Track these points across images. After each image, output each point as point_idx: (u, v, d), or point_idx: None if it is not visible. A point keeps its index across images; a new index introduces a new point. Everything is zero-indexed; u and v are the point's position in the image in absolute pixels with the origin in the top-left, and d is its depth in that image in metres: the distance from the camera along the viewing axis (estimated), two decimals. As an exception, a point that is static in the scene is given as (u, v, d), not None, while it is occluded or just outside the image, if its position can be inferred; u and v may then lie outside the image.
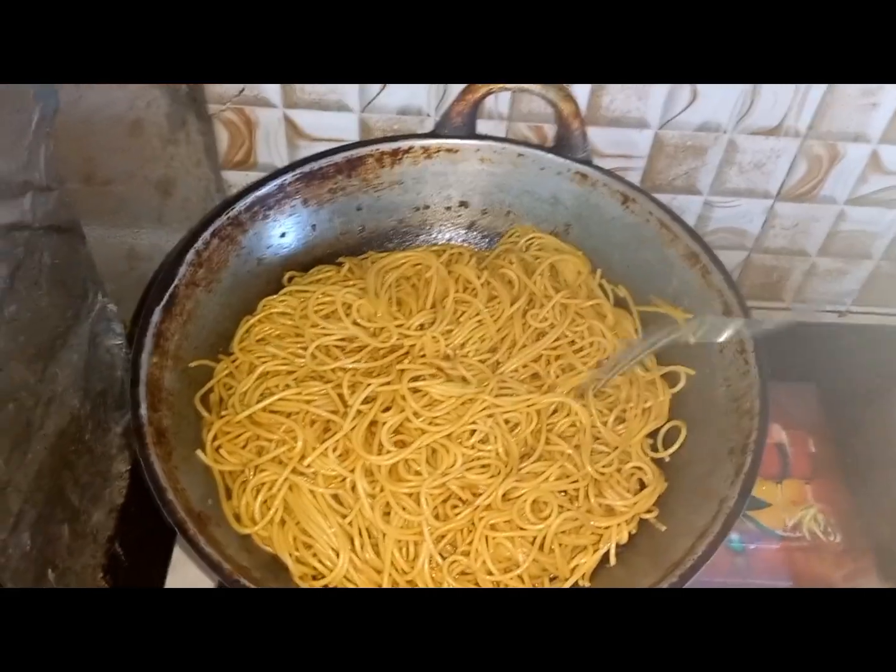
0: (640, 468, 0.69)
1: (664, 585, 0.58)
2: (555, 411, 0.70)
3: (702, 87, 0.76)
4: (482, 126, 0.78)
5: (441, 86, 0.77)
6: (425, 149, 0.78)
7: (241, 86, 0.77)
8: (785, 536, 0.78)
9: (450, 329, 0.73)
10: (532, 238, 0.81)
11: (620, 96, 0.77)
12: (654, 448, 0.72)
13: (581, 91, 0.76)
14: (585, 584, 0.64)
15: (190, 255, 0.69)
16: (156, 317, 0.66)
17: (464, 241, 0.84)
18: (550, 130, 0.81)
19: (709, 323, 0.68)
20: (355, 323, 0.72)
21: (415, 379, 0.68)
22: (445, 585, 0.62)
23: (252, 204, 0.73)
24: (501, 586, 0.63)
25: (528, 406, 0.68)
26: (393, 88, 0.77)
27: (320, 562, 0.63)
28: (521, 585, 0.64)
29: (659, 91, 0.77)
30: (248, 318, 0.74)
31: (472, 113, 0.76)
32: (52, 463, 0.63)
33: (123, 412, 0.73)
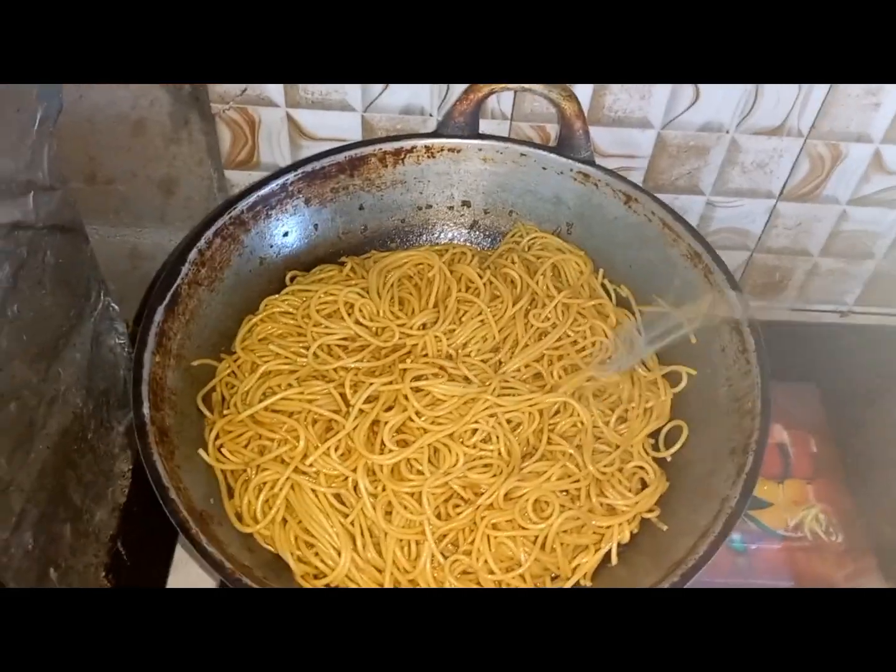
0: (641, 468, 0.69)
1: (665, 585, 0.58)
2: (557, 411, 0.70)
3: (704, 87, 0.76)
4: (485, 126, 0.79)
5: (444, 85, 0.77)
6: (428, 148, 0.78)
7: (243, 85, 0.77)
8: (786, 536, 0.78)
9: (452, 328, 0.73)
10: (534, 238, 0.81)
11: (623, 96, 0.77)
12: (656, 448, 0.71)
13: (583, 91, 0.76)
14: (587, 583, 0.64)
15: (192, 255, 0.69)
16: (158, 316, 0.66)
17: (466, 240, 0.84)
18: (553, 130, 0.81)
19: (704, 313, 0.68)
20: (357, 322, 0.73)
21: (417, 378, 0.68)
22: (447, 585, 0.62)
23: (254, 203, 0.74)
24: (503, 586, 0.63)
25: (531, 406, 0.68)
26: (396, 88, 0.77)
27: (322, 561, 0.63)
28: (522, 585, 0.64)
29: (661, 91, 0.77)
30: (251, 317, 0.74)
31: (474, 112, 0.76)
32: (55, 462, 0.63)
33: (126, 411, 0.74)
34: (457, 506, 0.65)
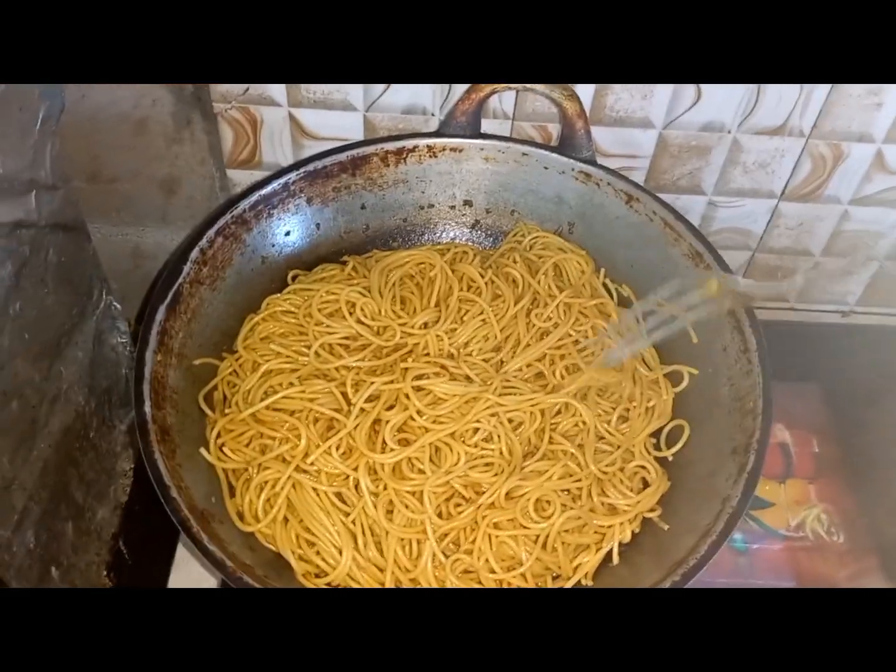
0: (643, 467, 0.69)
1: (667, 585, 0.58)
2: (559, 411, 0.70)
3: (706, 87, 0.76)
4: (486, 125, 0.79)
5: (445, 85, 0.77)
6: (430, 148, 0.78)
7: (245, 85, 0.77)
8: (788, 536, 0.78)
9: (453, 328, 0.73)
10: (536, 237, 0.81)
11: (625, 96, 0.77)
12: (658, 447, 0.72)
13: (585, 91, 0.77)
14: (588, 582, 0.64)
15: (194, 254, 0.69)
16: (160, 315, 0.66)
17: (468, 239, 0.84)
18: (555, 130, 0.81)
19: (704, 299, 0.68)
20: (359, 321, 0.73)
21: (418, 377, 0.68)
22: (448, 584, 0.63)
23: (256, 202, 0.74)
24: (504, 585, 0.63)
25: (532, 405, 0.68)
26: (397, 88, 0.77)
27: (323, 560, 0.63)
28: (523, 584, 0.64)
29: (663, 91, 0.77)
30: (253, 316, 0.74)
31: (476, 112, 0.76)
32: (57, 460, 0.63)
33: (128, 410, 0.74)
34: (458, 505, 0.65)
